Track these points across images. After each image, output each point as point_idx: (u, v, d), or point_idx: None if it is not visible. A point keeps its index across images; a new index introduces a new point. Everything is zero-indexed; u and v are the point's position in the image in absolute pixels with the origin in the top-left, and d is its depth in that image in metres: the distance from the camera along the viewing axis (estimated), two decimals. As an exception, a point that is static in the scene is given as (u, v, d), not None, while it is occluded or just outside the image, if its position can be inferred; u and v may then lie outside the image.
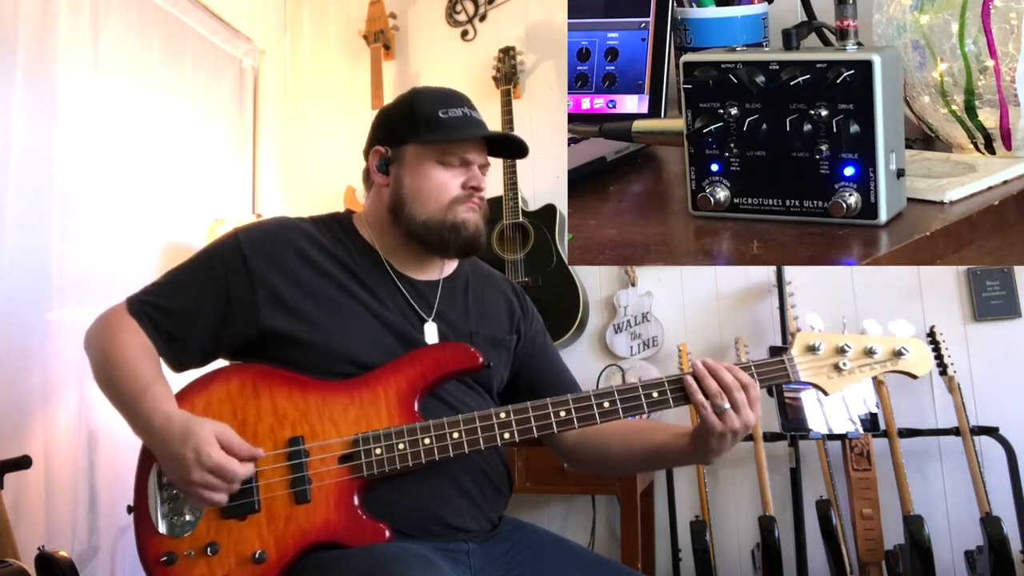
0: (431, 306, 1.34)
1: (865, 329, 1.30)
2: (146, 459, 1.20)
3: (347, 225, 1.38)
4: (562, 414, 1.22)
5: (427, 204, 1.30)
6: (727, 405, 1.18)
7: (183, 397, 1.21)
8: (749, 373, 1.22)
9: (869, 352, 1.26)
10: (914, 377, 1.28)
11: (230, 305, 1.25)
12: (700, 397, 1.19)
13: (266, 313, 1.24)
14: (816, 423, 2.26)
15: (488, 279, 1.47)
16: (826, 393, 1.27)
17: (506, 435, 1.21)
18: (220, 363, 1.30)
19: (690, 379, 1.20)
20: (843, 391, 1.27)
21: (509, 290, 1.49)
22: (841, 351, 1.26)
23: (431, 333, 1.31)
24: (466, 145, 1.32)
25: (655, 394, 1.22)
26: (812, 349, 1.26)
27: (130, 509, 1.19)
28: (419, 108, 1.32)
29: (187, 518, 1.16)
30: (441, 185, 1.30)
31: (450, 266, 1.41)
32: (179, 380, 1.26)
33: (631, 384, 1.23)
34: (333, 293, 1.27)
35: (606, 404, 1.22)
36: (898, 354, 1.26)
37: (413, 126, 1.31)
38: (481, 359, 1.26)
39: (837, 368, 1.26)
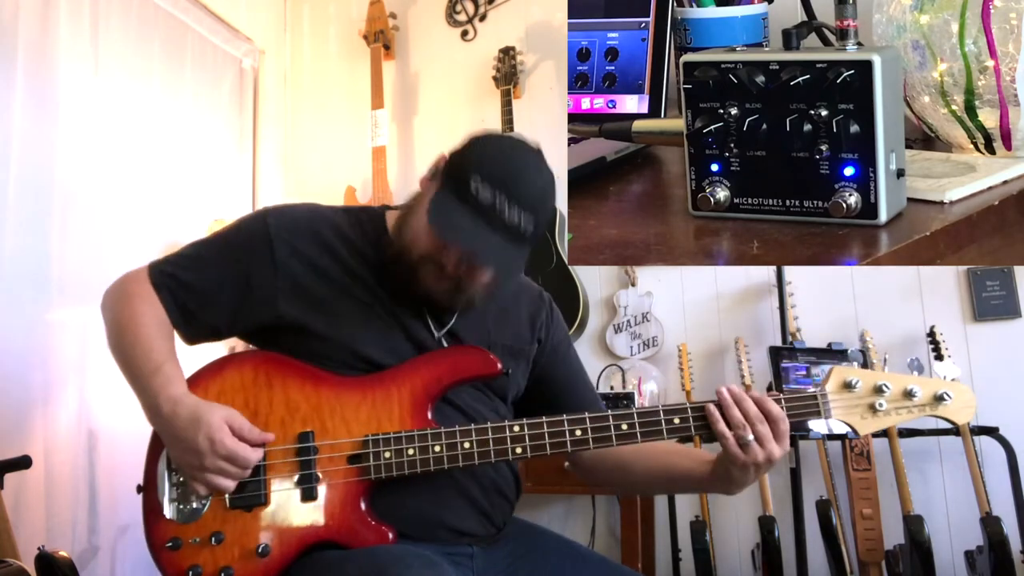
0: (451, 311, 1.29)
1: (885, 363, 1.20)
2: (157, 441, 1.19)
3: (378, 222, 1.31)
4: (578, 433, 1.17)
5: (402, 270, 1.22)
6: (751, 437, 1.12)
7: (196, 382, 1.19)
8: (779, 406, 1.16)
9: (908, 394, 1.18)
10: (955, 424, 1.21)
11: (250, 289, 1.23)
12: (722, 427, 1.13)
13: (285, 301, 1.22)
14: (816, 423, 2.25)
15: (514, 287, 1.40)
16: (858, 435, 1.20)
17: (518, 450, 1.16)
18: (233, 342, 1.28)
19: (713, 408, 1.15)
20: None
21: (536, 297, 1.42)
22: (879, 391, 1.18)
23: (447, 338, 1.28)
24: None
25: (676, 420, 1.17)
26: (848, 386, 1.18)
27: (139, 488, 1.18)
28: (465, 161, 1.17)
29: (194, 505, 1.15)
30: (419, 280, 1.21)
31: None
32: (191, 357, 1.25)
33: (652, 408, 1.18)
34: (353, 290, 1.25)
35: (624, 426, 1.17)
36: (939, 399, 1.18)
37: (447, 176, 1.18)
38: (499, 365, 1.22)
39: (872, 408, 1.18)
